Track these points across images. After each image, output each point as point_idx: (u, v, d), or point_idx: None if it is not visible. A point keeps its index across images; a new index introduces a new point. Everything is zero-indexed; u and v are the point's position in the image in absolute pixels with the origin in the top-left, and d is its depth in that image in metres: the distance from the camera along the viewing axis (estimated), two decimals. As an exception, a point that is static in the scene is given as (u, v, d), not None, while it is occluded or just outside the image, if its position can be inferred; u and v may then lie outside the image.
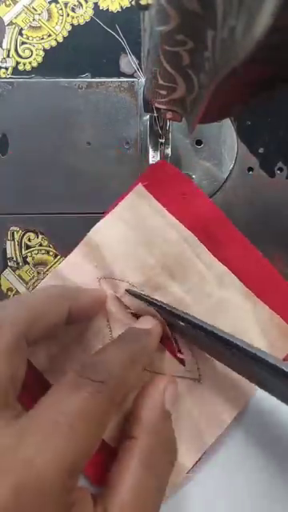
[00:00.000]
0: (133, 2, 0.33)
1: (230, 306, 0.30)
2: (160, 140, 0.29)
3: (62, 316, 0.25)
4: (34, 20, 0.33)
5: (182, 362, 0.29)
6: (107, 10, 0.33)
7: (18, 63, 0.33)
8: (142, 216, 0.31)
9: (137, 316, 0.30)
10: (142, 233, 0.31)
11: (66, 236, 0.33)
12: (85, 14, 0.33)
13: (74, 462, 0.18)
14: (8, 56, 0.33)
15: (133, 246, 0.31)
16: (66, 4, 0.33)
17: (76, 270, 0.31)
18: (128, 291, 0.30)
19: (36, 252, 0.33)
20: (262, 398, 0.29)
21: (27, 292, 0.25)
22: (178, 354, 0.29)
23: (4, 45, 0.33)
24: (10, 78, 0.33)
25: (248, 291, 0.31)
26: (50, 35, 0.33)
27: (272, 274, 0.31)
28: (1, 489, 0.16)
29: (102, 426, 0.20)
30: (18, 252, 0.33)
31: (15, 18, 0.33)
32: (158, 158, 0.30)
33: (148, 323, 0.28)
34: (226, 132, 0.34)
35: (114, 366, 0.23)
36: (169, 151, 0.30)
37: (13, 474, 0.16)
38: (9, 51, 0.33)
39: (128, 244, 0.31)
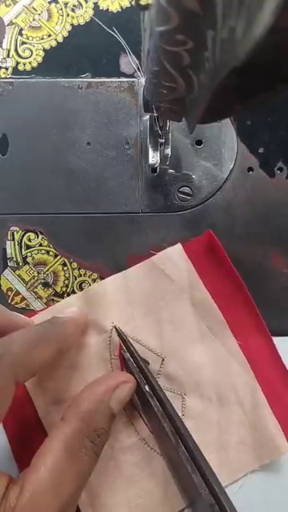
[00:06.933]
0: (133, 2, 0.33)
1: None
2: (160, 140, 0.29)
3: (52, 353, 0.26)
4: (33, 20, 0.33)
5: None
6: (107, 9, 0.33)
7: (18, 63, 0.33)
8: (173, 270, 0.32)
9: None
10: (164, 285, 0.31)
11: (66, 236, 0.33)
12: (85, 14, 0.33)
13: None
14: (8, 56, 0.33)
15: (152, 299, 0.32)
16: (65, 4, 0.33)
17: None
18: (116, 328, 0.30)
19: (36, 252, 0.33)
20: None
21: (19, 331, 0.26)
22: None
23: (4, 45, 0.33)
24: (10, 78, 0.33)
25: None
26: (50, 35, 0.33)
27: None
28: None
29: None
30: (18, 252, 0.33)
31: (15, 18, 0.33)
32: (158, 158, 0.30)
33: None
34: (226, 132, 0.34)
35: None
36: (169, 151, 0.30)
37: None
38: (9, 51, 0.33)
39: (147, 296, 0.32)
